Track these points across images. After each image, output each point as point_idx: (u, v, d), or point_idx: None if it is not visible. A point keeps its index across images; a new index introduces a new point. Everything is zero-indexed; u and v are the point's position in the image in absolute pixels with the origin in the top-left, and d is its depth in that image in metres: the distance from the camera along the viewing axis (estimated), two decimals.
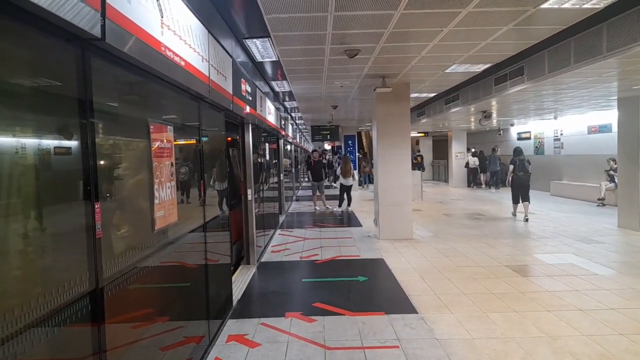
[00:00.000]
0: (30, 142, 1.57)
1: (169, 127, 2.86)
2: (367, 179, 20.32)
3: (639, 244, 7.43)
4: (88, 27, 1.75)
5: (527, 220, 9.86)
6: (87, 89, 1.86)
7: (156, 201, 2.57)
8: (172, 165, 2.87)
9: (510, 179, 10.55)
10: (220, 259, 4.27)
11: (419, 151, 22.80)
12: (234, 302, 4.81)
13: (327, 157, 18.05)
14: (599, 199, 12.13)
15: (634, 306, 4.49)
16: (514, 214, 10.56)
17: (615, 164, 10.60)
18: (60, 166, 1.79)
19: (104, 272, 1.94)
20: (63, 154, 1.80)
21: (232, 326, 4.21)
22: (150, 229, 2.52)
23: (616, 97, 9.11)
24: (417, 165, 20.60)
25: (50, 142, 1.71)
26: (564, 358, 3.44)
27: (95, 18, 1.80)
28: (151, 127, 2.56)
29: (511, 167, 10.37)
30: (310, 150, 15.43)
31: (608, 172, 11.84)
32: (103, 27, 1.86)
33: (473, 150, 20.05)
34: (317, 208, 12.84)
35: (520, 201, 10.15)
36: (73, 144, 1.82)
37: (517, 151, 10.35)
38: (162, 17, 2.55)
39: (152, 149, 2.56)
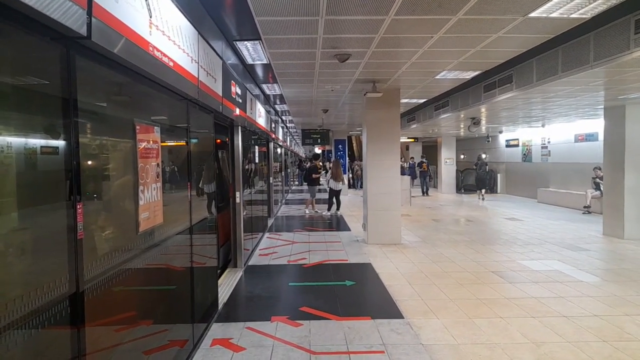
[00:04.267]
0: (13, 140, 1.55)
1: (156, 128, 2.83)
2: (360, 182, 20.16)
3: (623, 251, 7.54)
4: (74, 25, 1.72)
5: (481, 199, 16.01)
6: (71, 88, 1.83)
7: (141, 202, 2.54)
8: (158, 166, 2.84)
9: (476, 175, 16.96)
10: (206, 261, 4.23)
11: (423, 156, 20.61)
12: (220, 306, 4.77)
13: (320, 164, 17.21)
14: (584, 207, 12.30)
15: (617, 313, 4.55)
16: (481, 198, 16.07)
17: (602, 172, 10.80)
18: (43, 166, 1.76)
19: (86, 274, 1.90)
20: (47, 154, 1.77)
21: (217, 330, 4.17)
22: (134, 230, 2.48)
23: (603, 106, 9.25)
24: (423, 173, 18.80)
25: (35, 142, 1.68)
26: None
27: (81, 16, 1.78)
28: (137, 127, 2.53)
29: (474, 167, 16.90)
30: (304, 157, 15.53)
31: (594, 180, 12.01)
32: (89, 25, 1.83)
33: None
34: (307, 212, 12.83)
35: (482, 189, 16.29)
36: (57, 143, 1.79)
37: (479, 157, 16.94)
38: (150, 16, 2.52)
39: (138, 149, 2.53)
